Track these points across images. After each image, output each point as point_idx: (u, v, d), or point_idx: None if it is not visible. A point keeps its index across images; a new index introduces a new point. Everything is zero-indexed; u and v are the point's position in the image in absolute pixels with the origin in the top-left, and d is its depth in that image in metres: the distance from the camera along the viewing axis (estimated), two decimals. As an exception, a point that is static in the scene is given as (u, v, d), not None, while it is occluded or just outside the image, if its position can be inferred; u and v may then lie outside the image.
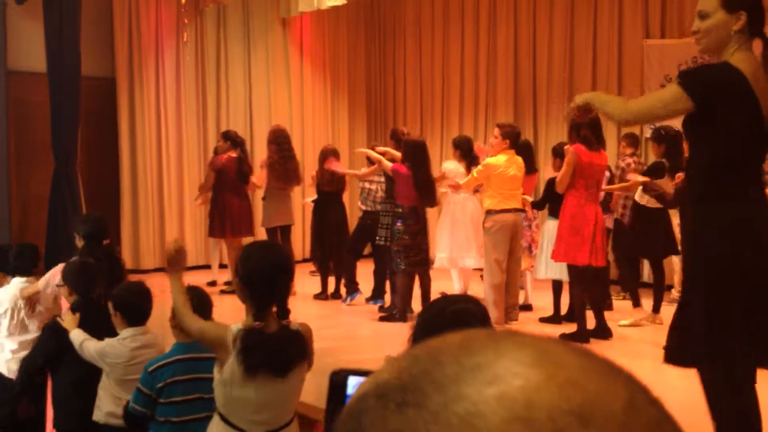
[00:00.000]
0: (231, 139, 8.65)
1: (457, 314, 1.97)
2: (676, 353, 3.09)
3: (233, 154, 8.46)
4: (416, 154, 6.96)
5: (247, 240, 8.35)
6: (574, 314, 6.25)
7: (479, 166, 6.82)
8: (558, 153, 6.78)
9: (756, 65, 2.94)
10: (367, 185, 7.95)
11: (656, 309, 6.82)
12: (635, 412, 0.39)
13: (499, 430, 0.37)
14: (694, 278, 3.08)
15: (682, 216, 3.41)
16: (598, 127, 6.21)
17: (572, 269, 6.17)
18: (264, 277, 2.63)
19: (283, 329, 2.65)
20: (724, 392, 2.97)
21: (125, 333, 3.44)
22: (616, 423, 0.38)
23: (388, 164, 7.01)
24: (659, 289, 6.88)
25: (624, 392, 0.40)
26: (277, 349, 2.60)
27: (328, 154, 8.16)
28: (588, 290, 6.23)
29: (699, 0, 3.05)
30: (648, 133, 8.38)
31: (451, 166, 7.53)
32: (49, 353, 3.68)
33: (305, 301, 7.94)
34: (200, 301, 3.17)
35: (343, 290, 8.11)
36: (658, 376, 5.18)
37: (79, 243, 4.41)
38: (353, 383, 1.09)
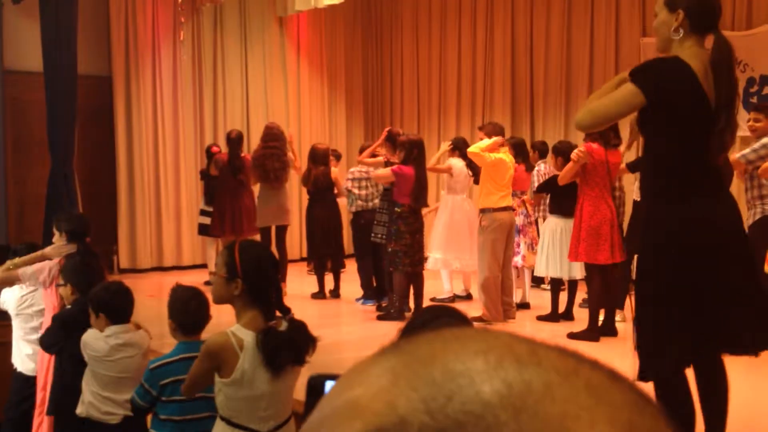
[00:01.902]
0: (226, 137, 8.65)
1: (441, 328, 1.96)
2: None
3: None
4: (417, 152, 6.96)
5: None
6: (589, 312, 6.24)
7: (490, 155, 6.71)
8: (560, 151, 6.76)
9: (705, 61, 2.97)
10: (352, 188, 7.86)
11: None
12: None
13: None
14: (645, 273, 3.11)
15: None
16: (615, 124, 6.20)
17: (591, 268, 6.16)
18: (265, 276, 2.64)
19: (292, 322, 2.67)
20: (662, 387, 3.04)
21: (108, 331, 3.44)
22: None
23: (386, 171, 6.96)
24: None
25: (667, 428, 0.39)
26: (296, 344, 2.64)
27: (317, 153, 8.12)
28: (608, 288, 6.23)
29: None
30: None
31: (459, 164, 7.52)
32: (58, 342, 3.70)
33: (303, 300, 7.94)
34: (199, 304, 3.17)
35: (343, 288, 8.15)
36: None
37: (59, 241, 4.40)
38: (330, 387, 1.08)
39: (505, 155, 6.77)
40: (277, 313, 2.71)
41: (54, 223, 4.60)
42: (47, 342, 3.83)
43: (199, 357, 2.69)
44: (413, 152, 6.90)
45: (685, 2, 3.00)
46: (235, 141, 8.55)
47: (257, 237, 8.26)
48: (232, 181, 8.43)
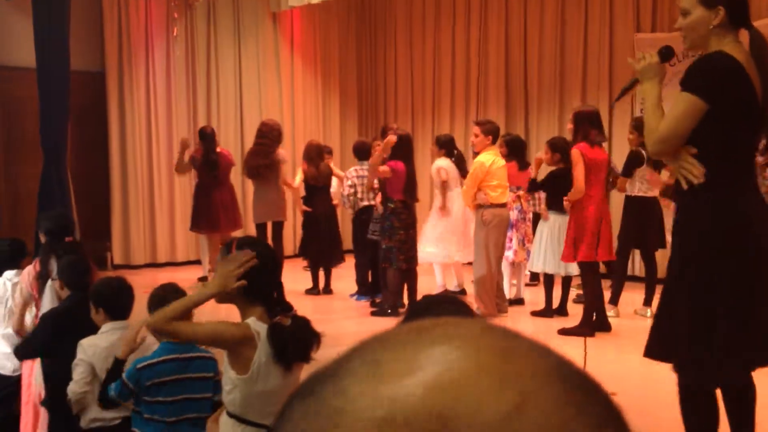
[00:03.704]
0: (199, 134, 8.62)
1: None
2: (655, 347, 3.10)
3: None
4: (405, 148, 6.96)
5: (227, 235, 8.37)
6: (585, 308, 6.24)
7: (471, 176, 6.74)
8: (556, 147, 6.77)
9: (746, 55, 2.93)
10: (358, 185, 7.85)
11: (648, 302, 6.83)
12: (519, 418, 0.37)
13: (356, 430, 0.37)
14: (680, 271, 3.04)
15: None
16: (599, 122, 6.21)
17: (588, 266, 6.15)
18: (265, 272, 2.62)
19: (296, 319, 2.66)
20: (689, 393, 3.01)
21: (105, 327, 3.41)
22: (483, 429, 0.36)
23: (385, 167, 6.93)
24: (651, 281, 6.89)
25: (514, 397, 0.37)
26: (303, 338, 2.61)
27: (312, 151, 8.10)
28: (598, 284, 6.24)
29: None
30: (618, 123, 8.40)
31: (444, 164, 7.51)
32: (45, 343, 3.66)
33: (297, 296, 7.93)
34: (178, 298, 3.15)
35: (338, 284, 8.14)
36: (649, 369, 5.20)
37: (43, 240, 4.38)
38: None
39: (492, 154, 6.79)
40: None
41: (36, 222, 4.57)
42: (24, 350, 3.78)
43: (230, 324, 2.62)
44: (401, 148, 6.89)
45: None
46: (210, 137, 8.51)
47: (236, 233, 8.30)
48: (206, 177, 8.41)
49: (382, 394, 0.37)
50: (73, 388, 3.30)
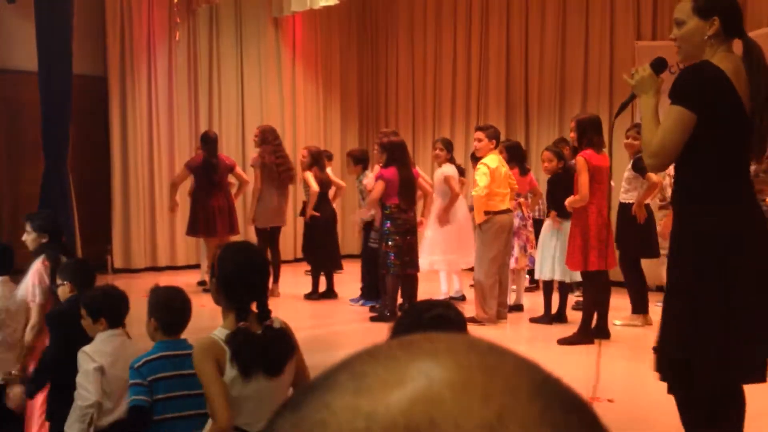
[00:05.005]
0: (202, 138, 8.64)
1: (434, 321, 2.00)
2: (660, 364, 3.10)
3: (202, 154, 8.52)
4: (400, 155, 6.97)
5: (225, 239, 8.40)
6: (583, 316, 6.23)
7: (481, 178, 6.68)
8: (560, 155, 6.77)
9: (737, 64, 2.94)
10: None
11: (644, 309, 6.84)
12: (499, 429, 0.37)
13: None
14: (676, 284, 3.05)
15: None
16: (601, 128, 6.22)
17: (590, 274, 6.14)
18: (242, 278, 2.64)
19: (268, 329, 2.66)
20: (697, 415, 3.00)
21: (103, 335, 3.39)
22: None
23: (376, 186, 6.94)
24: (644, 290, 6.89)
25: (494, 413, 0.37)
26: (267, 349, 2.62)
27: (322, 157, 8.18)
28: (602, 292, 6.23)
29: (675, 8, 3.08)
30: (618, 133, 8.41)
31: (451, 171, 7.50)
32: (60, 344, 3.65)
33: (296, 300, 7.94)
34: (182, 302, 3.16)
35: (337, 289, 8.16)
36: (647, 376, 5.21)
37: (30, 240, 4.34)
38: None
39: (494, 158, 6.79)
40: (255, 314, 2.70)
41: (27, 221, 4.52)
42: (39, 372, 3.75)
43: (200, 364, 2.62)
44: (394, 154, 6.93)
45: (719, 8, 2.97)
46: (213, 141, 8.54)
47: (235, 237, 8.32)
48: (203, 181, 8.43)
49: (363, 407, 0.38)
50: (96, 396, 3.28)
